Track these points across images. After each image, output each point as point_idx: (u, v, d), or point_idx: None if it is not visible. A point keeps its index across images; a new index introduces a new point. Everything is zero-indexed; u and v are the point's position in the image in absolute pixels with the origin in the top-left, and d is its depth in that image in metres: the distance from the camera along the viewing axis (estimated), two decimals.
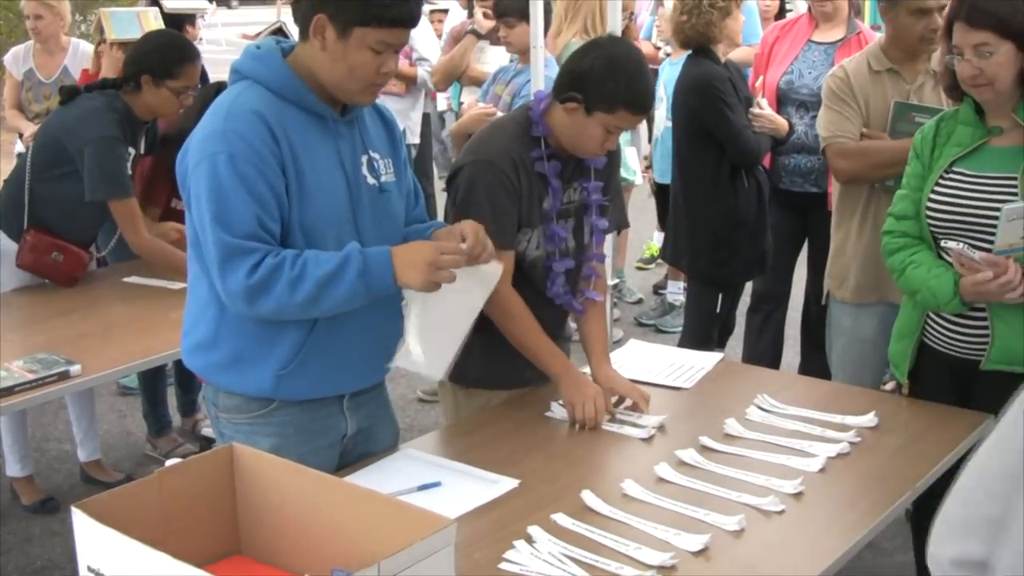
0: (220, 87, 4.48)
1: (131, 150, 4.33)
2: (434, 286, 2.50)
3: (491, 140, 3.11)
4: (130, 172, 4.33)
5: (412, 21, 2.55)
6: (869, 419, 2.99)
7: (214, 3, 25.16)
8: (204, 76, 6.13)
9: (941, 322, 3.24)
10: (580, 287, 3.26)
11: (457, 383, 3.24)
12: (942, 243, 3.13)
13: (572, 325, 3.43)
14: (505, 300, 3.02)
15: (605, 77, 2.93)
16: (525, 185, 3.04)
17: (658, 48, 7.13)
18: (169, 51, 4.29)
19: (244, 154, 2.45)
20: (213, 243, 2.47)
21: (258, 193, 2.46)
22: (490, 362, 3.17)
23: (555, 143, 3.07)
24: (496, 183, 3.00)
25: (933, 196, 3.17)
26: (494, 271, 2.72)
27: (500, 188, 3.00)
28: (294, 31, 5.21)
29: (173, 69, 4.23)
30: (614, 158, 3.28)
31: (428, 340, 2.60)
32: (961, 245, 3.01)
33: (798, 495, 2.59)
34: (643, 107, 3.01)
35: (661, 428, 3.00)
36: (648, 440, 2.94)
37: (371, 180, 2.68)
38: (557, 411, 3.12)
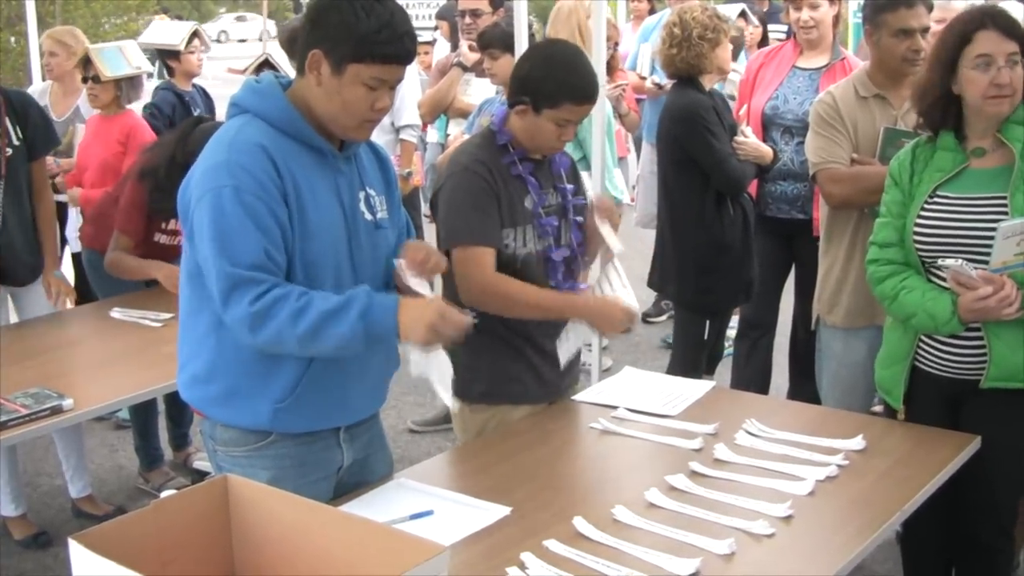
0: (199, 122, 4.49)
1: None
2: (431, 347, 2.54)
3: (460, 154, 3.32)
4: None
5: (407, 58, 2.57)
6: (857, 442, 3.02)
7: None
8: (211, 107, 6.12)
9: (936, 345, 3.25)
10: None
11: (463, 400, 3.34)
12: (940, 261, 3.16)
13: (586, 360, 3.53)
14: (503, 283, 3.17)
15: (544, 77, 3.18)
16: (501, 186, 3.21)
17: (643, 78, 7.16)
18: None
19: (249, 187, 2.46)
20: (217, 275, 2.47)
21: (264, 225, 2.47)
22: (494, 376, 3.31)
23: (520, 148, 3.27)
24: (475, 186, 3.19)
25: (919, 222, 3.20)
26: None
27: (480, 190, 3.19)
28: (282, 61, 5.20)
29: None
30: (575, 166, 3.51)
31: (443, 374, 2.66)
32: (960, 262, 3.05)
33: (787, 519, 2.61)
34: (585, 97, 3.20)
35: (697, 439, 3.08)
36: (699, 451, 3.01)
37: (368, 216, 2.71)
38: (604, 424, 3.22)
